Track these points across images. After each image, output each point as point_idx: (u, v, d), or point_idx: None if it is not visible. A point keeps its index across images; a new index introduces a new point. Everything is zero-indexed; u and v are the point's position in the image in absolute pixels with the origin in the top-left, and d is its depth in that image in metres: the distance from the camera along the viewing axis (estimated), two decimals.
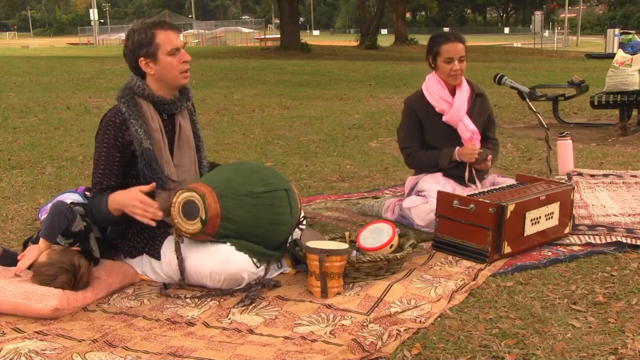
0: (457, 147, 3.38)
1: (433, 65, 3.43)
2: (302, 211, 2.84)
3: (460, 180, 3.44)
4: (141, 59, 2.62)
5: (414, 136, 3.47)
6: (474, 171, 3.42)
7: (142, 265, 2.69)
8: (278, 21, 34.99)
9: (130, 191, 2.53)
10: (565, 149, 4.32)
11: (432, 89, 3.42)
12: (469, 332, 2.17)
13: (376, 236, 2.77)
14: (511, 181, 3.40)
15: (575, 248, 3.00)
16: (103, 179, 2.62)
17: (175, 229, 2.53)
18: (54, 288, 2.37)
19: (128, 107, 2.62)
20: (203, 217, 2.46)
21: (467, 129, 3.39)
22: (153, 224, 2.50)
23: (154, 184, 2.57)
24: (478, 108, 3.49)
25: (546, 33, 45.64)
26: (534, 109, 3.64)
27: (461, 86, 3.44)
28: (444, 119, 3.40)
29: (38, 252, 2.52)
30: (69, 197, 3.02)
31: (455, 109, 3.38)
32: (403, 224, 3.36)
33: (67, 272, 2.42)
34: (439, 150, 3.41)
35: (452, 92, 3.42)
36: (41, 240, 2.54)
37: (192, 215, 2.48)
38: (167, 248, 2.61)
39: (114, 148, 2.60)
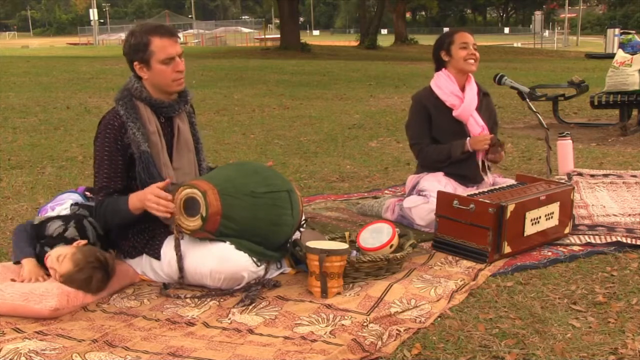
0: (468, 138, 3.38)
1: (447, 59, 3.43)
2: (303, 214, 2.84)
3: (462, 179, 3.45)
4: (135, 63, 2.62)
5: (424, 132, 3.47)
6: (486, 163, 3.43)
7: (142, 265, 2.69)
8: (278, 21, 35.00)
9: (147, 188, 2.54)
10: (565, 149, 4.32)
11: (443, 84, 3.43)
12: (469, 332, 2.17)
13: (376, 236, 2.77)
14: (511, 181, 3.40)
15: (575, 248, 3.00)
16: (109, 183, 2.62)
17: (175, 225, 2.53)
18: (53, 285, 2.37)
19: (126, 109, 2.62)
20: (204, 214, 2.47)
21: (478, 123, 3.41)
22: (168, 216, 2.49)
23: (168, 180, 2.57)
24: (485, 107, 3.52)
25: (546, 33, 45.63)
26: (534, 109, 3.64)
27: (470, 83, 3.47)
28: (454, 113, 3.41)
29: (31, 269, 2.53)
30: (69, 197, 3.02)
31: (466, 103, 3.40)
32: (403, 224, 3.36)
33: (97, 270, 2.44)
34: (449, 144, 3.42)
35: (462, 88, 3.44)
36: (23, 262, 2.55)
37: (193, 212, 2.48)
38: (168, 248, 2.61)
39: (116, 151, 2.60)
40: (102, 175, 2.62)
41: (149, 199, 2.49)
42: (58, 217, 2.74)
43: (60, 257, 2.47)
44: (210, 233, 2.52)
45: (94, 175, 2.68)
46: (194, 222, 2.49)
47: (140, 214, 2.57)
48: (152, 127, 2.64)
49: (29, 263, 2.55)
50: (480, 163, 3.45)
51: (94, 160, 2.67)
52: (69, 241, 2.59)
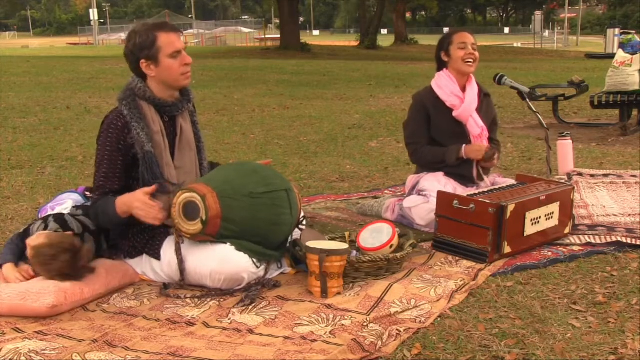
0: (464, 145, 3.38)
1: (446, 59, 3.44)
2: (302, 211, 2.85)
3: (461, 179, 3.44)
4: (142, 61, 2.62)
5: (422, 132, 3.47)
6: (480, 169, 3.43)
7: (142, 265, 2.69)
8: (278, 21, 35.00)
9: (135, 194, 2.54)
10: (565, 149, 4.33)
11: (443, 84, 3.44)
12: (469, 332, 2.17)
13: (376, 236, 2.77)
14: (511, 181, 3.40)
15: (575, 248, 3.00)
16: (106, 183, 2.62)
17: (175, 229, 2.52)
18: (50, 283, 2.37)
19: (130, 109, 2.62)
20: (204, 218, 2.46)
21: (477, 125, 3.41)
22: (157, 222, 2.51)
23: (155, 186, 2.57)
24: (485, 108, 3.52)
25: (546, 33, 45.62)
26: (534, 109, 3.64)
27: (471, 83, 3.47)
28: (454, 114, 3.41)
29: (8, 273, 2.54)
30: (69, 197, 3.02)
31: (466, 104, 3.40)
32: (403, 224, 3.36)
33: (67, 252, 2.42)
34: (445, 147, 3.42)
35: (462, 89, 3.44)
36: (4, 267, 2.56)
37: (193, 216, 2.47)
38: (167, 248, 2.61)
39: (117, 152, 2.60)
40: (100, 174, 2.63)
41: (138, 206, 2.50)
42: (38, 219, 2.76)
43: (41, 235, 2.51)
44: (211, 236, 2.52)
45: (94, 174, 2.69)
46: (194, 226, 2.48)
47: (130, 217, 2.57)
48: (156, 127, 2.65)
49: (6, 268, 2.57)
50: (475, 168, 3.44)
51: (95, 158, 2.68)
52: None
